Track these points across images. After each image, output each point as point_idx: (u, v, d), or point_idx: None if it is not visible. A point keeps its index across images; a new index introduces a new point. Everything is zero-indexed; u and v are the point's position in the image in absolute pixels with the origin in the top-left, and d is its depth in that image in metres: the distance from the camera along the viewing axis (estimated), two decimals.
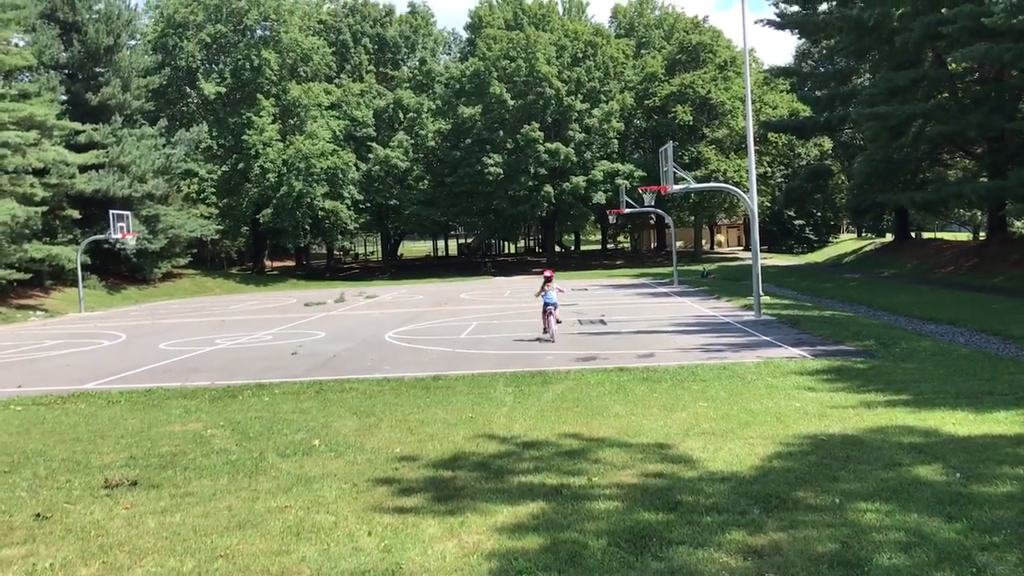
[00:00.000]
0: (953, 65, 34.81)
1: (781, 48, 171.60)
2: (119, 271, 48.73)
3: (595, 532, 6.27)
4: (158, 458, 9.51)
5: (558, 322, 19.84)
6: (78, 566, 6.12)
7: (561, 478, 7.80)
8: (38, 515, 7.41)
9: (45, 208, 39.57)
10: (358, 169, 58.42)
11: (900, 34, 34.16)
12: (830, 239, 75.75)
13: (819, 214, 74.89)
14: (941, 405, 10.63)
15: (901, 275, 39.89)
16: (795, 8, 46.62)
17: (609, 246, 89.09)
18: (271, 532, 6.66)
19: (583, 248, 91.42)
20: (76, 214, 43.36)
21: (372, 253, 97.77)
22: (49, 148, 40.66)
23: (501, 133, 58.27)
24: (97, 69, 49.69)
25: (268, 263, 66.88)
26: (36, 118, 39.79)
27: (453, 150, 59.61)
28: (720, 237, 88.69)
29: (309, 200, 54.96)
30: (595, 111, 58.79)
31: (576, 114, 58.55)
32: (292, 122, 57.00)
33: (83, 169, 44.05)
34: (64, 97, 44.51)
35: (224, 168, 55.39)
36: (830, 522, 6.29)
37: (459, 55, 70.76)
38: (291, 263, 74.64)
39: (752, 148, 29.52)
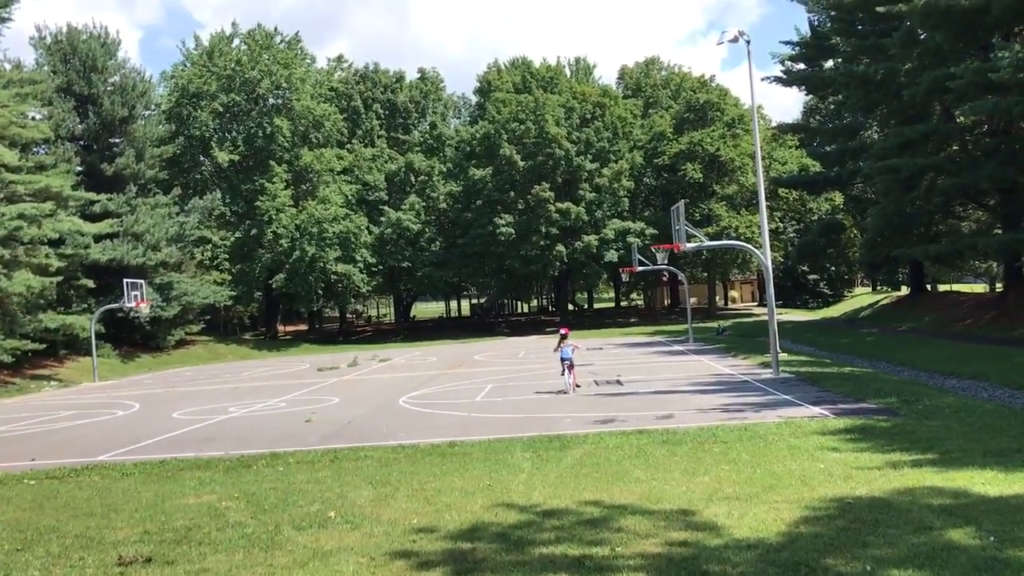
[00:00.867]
0: (962, 118, 34.93)
1: (788, 104, 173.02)
2: (133, 339, 48.82)
3: None
4: (173, 532, 9.34)
5: (577, 386, 21.47)
6: None
7: (583, 548, 7.59)
8: None
9: (60, 278, 39.85)
10: (370, 232, 58.81)
11: (907, 88, 34.39)
12: (844, 293, 75.40)
13: (832, 268, 74.71)
14: (969, 464, 10.38)
15: (919, 329, 39.53)
16: (801, 66, 47.15)
17: (622, 304, 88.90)
18: None
19: (596, 306, 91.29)
20: (90, 283, 43.63)
21: (385, 315, 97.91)
22: (64, 219, 41.12)
23: (512, 194, 58.71)
24: (112, 140, 50.52)
25: (281, 328, 66.99)
26: (52, 189, 40.33)
27: (465, 211, 60.03)
28: (734, 293, 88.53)
29: (322, 264, 55.24)
30: (605, 170, 59.23)
31: (586, 174, 59.01)
32: (305, 187, 57.63)
33: (97, 239, 44.48)
34: (79, 168, 45.15)
35: (237, 234, 55.84)
36: None
37: (469, 118, 71.64)
38: (304, 327, 74.77)
39: (764, 205, 29.56)
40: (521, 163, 58.10)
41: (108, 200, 46.07)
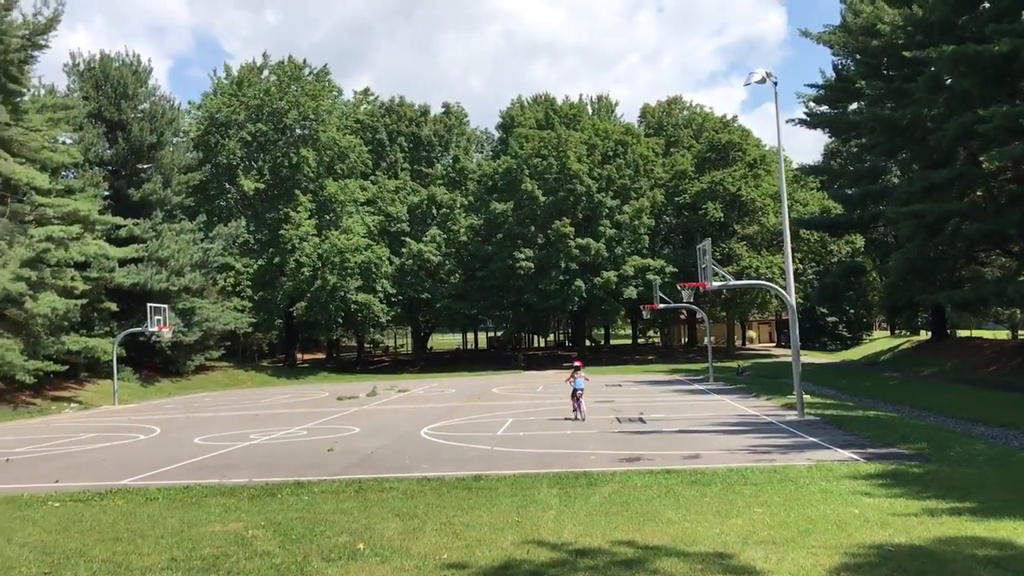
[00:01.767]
0: (987, 164, 34.82)
1: (808, 146, 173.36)
2: (153, 363, 48.99)
3: None
4: (200, 560, 9.30)
5: (579, 414, 23.28)
6: None
7: None
8: None
9: (84, 301, 40.13)
10: (391, 263, 59.03)
11: (933, 133, 34.35)
12: (863, 337, 74.93)
13: (851, 311, 74.35)
14: (1011, 514, 10.20)
15: (941, 374, 39.14)
16: (825, 108, 47.24)
17: (640, 341, 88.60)
18: None
19: (613, 342, 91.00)
20: (114, 307, 43.87)
21: (402, 346, 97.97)
22: (91, 242, 41.49)
23: (532, 228, 58.86)
24: (140, 166, 51.03)
25: (299, 355, 67.05)
26: (80, 213, 40.76)
27: (485, 245, 60.19)
28: (751, 333, 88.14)
29: (343, 293, 55.42)
30: (626, 207, 59.33)
31: (607, 210, 59.11)
32: (328, 217, 57.94)
33: (122, 263, 44.81)
34: (107, 192, 45.57)
35: (260, 262, 56.15)
36: None
37: (491, 153, 72.09)
38: (321, 355, 74.86)
39: (789, 245, 29.49)
40: (542, 198, 58.30)
41: (134, 225, 46.47)
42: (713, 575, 7.89)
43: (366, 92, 69.58)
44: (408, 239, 60.12)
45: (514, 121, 66.97)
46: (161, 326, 39.73)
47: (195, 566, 9.05)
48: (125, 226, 45.61)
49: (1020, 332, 55.44)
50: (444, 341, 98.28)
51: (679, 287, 25.05)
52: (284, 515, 11.83)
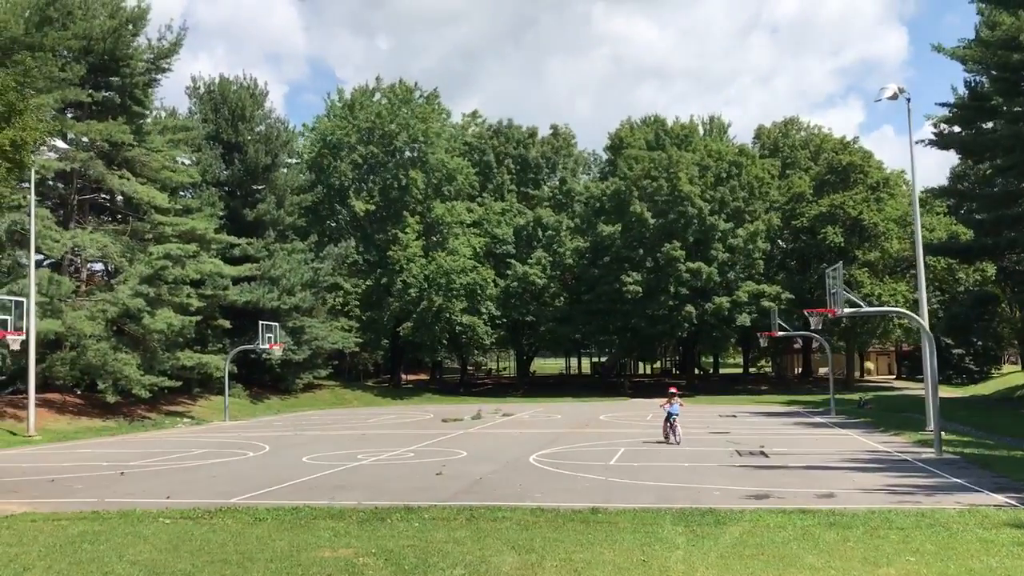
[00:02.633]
0: None
1: (930, 169, 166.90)
2: (263, 381, 49.85)
3: None
4: None
5: (674, 438, 24.34)
6: None
7: None
8: None
9: (199, 318, 41.06)
10: (496, 285, 58.78)
11: None
12: (991, 371, 70.61)
13: (979, 343, 70.20)
14: None
15: None
16: (956, 128, 44.75)
17: (751, 370, 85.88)
18: None
19: (722, 371, 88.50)
20: (227, 324, 44.81)
21: (504, 369, 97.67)
22: (207, 260, 42.55)
23: (641, 251, 57.67)
24: (254, 186, 52.27)
25: (403, 376, 67.41)
26: (197, 231, 41.92)
27: (591, 267, 59.29)
28: (870, 364, 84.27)
29: (448, 315, 55.40)
30: (739, 231, 57.54)
31: (719, 233, 57.44)
32: (435, 238, 58.18)
33: (235, 281, 45.81)
34: (222, 212, 46.72)
35: (368, 282, 56.71)
36: None
37: (599, 175, 71.32)
38: (425, 376, 75.15)
39: (923, 271, 27.78)
40: (651, 220, 57.11)
41: (248, 244, 47.50)
42: None
43: (474, 114, 69.95)
44: (513, 261, 59.80)
45: (623, 142, 66.06)
46: (272, 343, 40.30)
47: None
48: (239, 245, 46.68)
49: None
50: (546, 365, 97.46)
51: (806, 313, 23.66)
52: (395, 542, 11.26)
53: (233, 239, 45.93)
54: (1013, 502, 13.89)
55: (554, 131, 69.94)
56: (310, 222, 55.91)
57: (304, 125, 62.45)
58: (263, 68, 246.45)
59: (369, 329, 56.83)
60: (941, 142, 44.79)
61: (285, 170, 54.41)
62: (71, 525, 12.95)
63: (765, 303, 56.09)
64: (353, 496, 15.52)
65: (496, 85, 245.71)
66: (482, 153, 65.98)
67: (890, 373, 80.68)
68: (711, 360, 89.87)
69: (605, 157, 71.40)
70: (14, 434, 30.25)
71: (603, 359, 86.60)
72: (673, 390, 26.08)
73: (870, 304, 51.34)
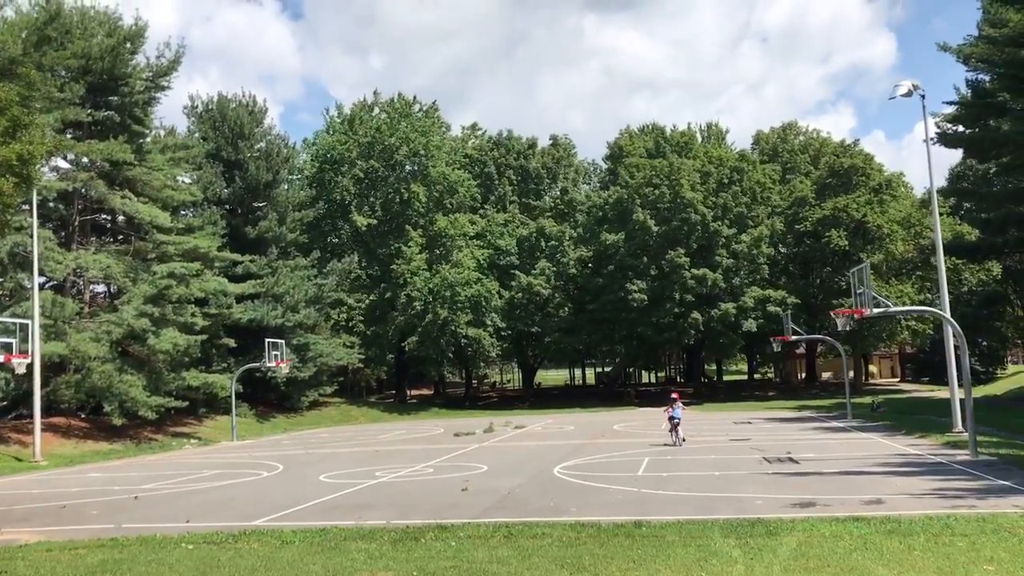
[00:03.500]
0: None
1: (941, 163, 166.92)
2: (268, 399, 49.21)
3: None
4: None
5: (677, 440, 26.11)
6: None
7: None
8: None
9: (204, 337, 40.47)
10: (501, 297, 58.25)
11: None
12: (995, 371, 70.17)
13: (984, 344, 69.77)
14: None
15: None
16: (960, 128, 44.37)
17: (756, 376, 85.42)
18: None
19: (726, 378, 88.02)
20: (231, 343, 44.21)
21: (508, 381, 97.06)
22: (211, 279, 41.99)
23: (645, 259, 57.18)
24: (256, 204, 51.73)
25: (407, 391, 66.73)
26: (200, 250, 41.36)
27: (595, 277, 58.76)
28: (873, 368, 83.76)
29: (453, 328, 54.82)
30: (743, 236, 57.11)
31: (723, 239, 57.00)
32: (438, 251, 57.62)
33: (239, 299, 45.25)
34: (224, 230, 46.13)
35: (372, 297, 56.13)
36: None
37: (599, 184, 70.91)
38: (428, 391, 74.51)
39: (943, 270, 27.36)
40: (655, 228, 56.64)
41: (250, 262, 46.95)
42: None
43: (474, 127, 69.50)
44: (517, 272, 59.29)
45: (622, 151, 65.69)
46: (278, 361, 39.70)
47: None
48: (242, 263, 46.14)
49: None
50: (549, 377, 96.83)
51: (833, 315, 23.18)
52: (435, 564, 10.74)
53: (236, 256, 45.43)
54: None
55: (554, 141, 69.59)
56: (312, 238, 55.37)
57: (305, 140, 62.05)
58: (258, 89, 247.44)
59: (373, 344, 56.22)
60: (946, 141, 44.45)
61: (286, 186, 53.90)
62: (89, 554, 12.40)
63: (771, 308, 55.61)
64: (380, 515, 14.98)
65: (490, 100, 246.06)
66: (483, 165, 65.53)
67: (893, 376, 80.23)
68: (714, 367, 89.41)
69: (605, 167, 70.97)
70: (20, 460, 29.62)
71: (607, 369, 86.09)
72: (675, 395, 28.21)
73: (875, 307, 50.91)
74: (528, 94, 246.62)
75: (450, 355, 59.43)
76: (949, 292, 63.47)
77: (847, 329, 22.45)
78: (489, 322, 57.54)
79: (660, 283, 56.29)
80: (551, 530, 12.64)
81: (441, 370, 63.92)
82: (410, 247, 55.83)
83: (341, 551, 11.86)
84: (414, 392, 71.37)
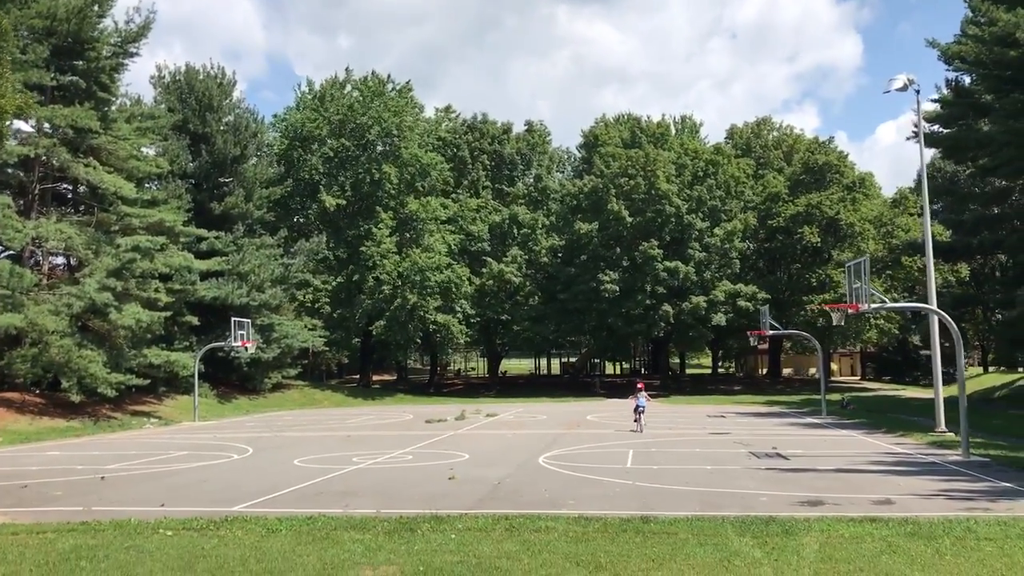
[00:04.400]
0: None
1: (899, 171, 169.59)
2: (230, 380, 47.96)
3: None
4: None
5: (639, 427, 27.87)
6: None
7: None
8: None
9: (169, 313, 39.21)
10: (471, 283, 57.42)
11: None
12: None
13: (947, 345, 70.47)
14: None
15: None
16: (935, 127, 44.48)
17: (720, 371, 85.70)
18: None
19: (689, 372, 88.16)
20: (195, 320, 42.95)
21: (473, 369, 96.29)
22: (176, 254, 40.69)
23: (618, 250, 56.74)
24: (222, 179, 50.22)
25: (371, 376, 65.61)
26: (165, 224, 39.99)
27: (567, 266, 58.23)
28: (834, 366, 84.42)
29: (422, 313, 53.89)
30: (716, 230, 56.92)
31: (696, 232, 56.76)
32: (409, 235, 56.58)
33: (203, 276, 43.96)
34: (189, 205, 44.69)
35: (339, 279, 54.92)
36: None
37: (573, 172, 70.26)
38: (390, 377, 73.41)
39: (931, 262, 27.17)
40: (629, 219, 56.20)
41: (215, 238, 45.64)
42: None
43: (448, 109, 68.20)
44: (489, 259, 58.49)
45: (597, 140, 65.11)
46: (244, 341, 38.56)
47: None
48: (207, 239, 44.83)
49: None
50: (513, 366, 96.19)
51: (828, 309, 22.80)
52: (441, 558, 10.03)
53: (202, 232, 44.13)
54: None
55: (529, 127, 68.72)
56: (279, 216, 53.99)
57: (275, 116, 60.39)
58: (222, 63, 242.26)
59: (339, 327, 55.06)
60: (924, 140, 44.46)
61: (254, 162, 52.41)
62: (59, 539, 11.51)
63: (741, 303, 55.56)
64: (365, 503, 14.25)
65: (458, 86, 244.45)
66: (456, 148, 64.46)
67: (853, 374, 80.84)
68: (677, 360, 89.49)
69: (579, 155, 70.34)
70: None
71: (572, 359, 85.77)
72: (640, 385, 30.44)
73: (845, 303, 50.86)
74: (497, 81, 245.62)
75: (418, 340, 58.50)
76: (916, 292, 64.37)
77: (842, 324, 22.10)
78: (459, 308, 56.73)
79: (632, 274, 55.94)
80: (555, 523, 11.99)
81: (408, 356, 62.92)
82: (380, 229, 54.72)
83: (334, 541, 11.11)
84: (376, 377, 70.31)
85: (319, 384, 58.88)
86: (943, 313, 20.96)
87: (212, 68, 51.18)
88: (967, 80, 42.39)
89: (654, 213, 56.23)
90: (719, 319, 55.85)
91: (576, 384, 68.67)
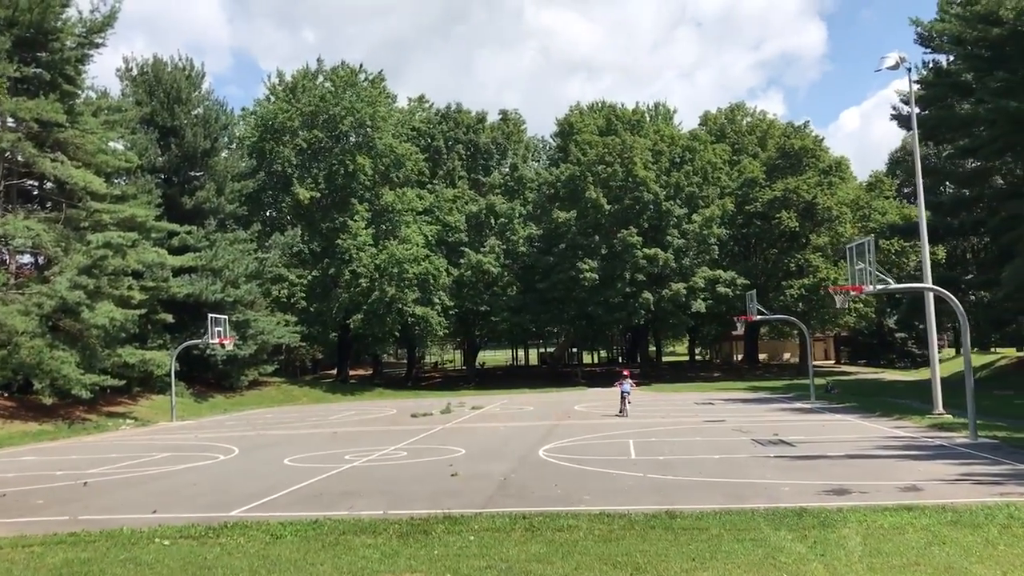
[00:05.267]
0: None
1: (872, 153, 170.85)
2: (205, 378, 46.87)
3: None
4: None
5: (624, 413, 29.77)
6: None
7: None
8: None
9: (143, 311, 38.10)
10: (449, 274, 56.63)
11: None
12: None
13: (921, 327, 70.82)
14: None
15: None
16: (917, 109, 44.30)
17: (697, 357, 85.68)
18: None
19: (666, 359, 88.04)
20: (169, 318, 41.83)
21: (450, 361, 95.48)
22: (148, 250, 39.52)
23: (596, 238, 56.19)
24: (193, 173, 49.06)
25: (348, 371, 64.59)
26: (137, 219, 38.80)
27: (545, 255, 57.62)
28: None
29: (400, 306, 53.03)
30: (695, 216, 56.58)
31: (675, 219, 56.38)
32: (385, 227, 55.58)
33: (176, 272, 42.85)
34: (159, 200, 43.46)
35: (315, 273, 53.86)
36: None
37: (549, 161, 69.57)
38: (366, 371, 72.39)
39: (926, 239, 26.90)
40: (607, 206, 55.68)
41: (187, 234, 44.46)
42: None
43: (421, 99, 67.14)
44: (466, 249, 57.70)
45: (572, 128, 64.44)
46: (222, 338, 37.60)
47: None
48: (179, 235, 43.65)
49: None
50: (490, 357, 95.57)
51: (831, 291, 22.44)
52: (466, 563, 9.38)
53: (174, 227, 42.92)
54: None
55: (504, 116, 67.90)
56: (252, 210, 52.85)
57: (244, 110, 58.95)
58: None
59: (316, 322, 54.01)
60: (901, 121, 44.41)
61: (225, 155, 51.18)
62: (48, 553, 10.73)
63: (721, 289, 55.34)
64: (369, 504, 13.57)
65: (426, 77, 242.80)
66: (431, 138, 63.53)
67: (827, 358, 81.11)
68: (654, 348, 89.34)
69: (554, 144, 69.66)
70: None
71: (551, 349, 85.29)
72: (625, 372, 32.82)
73: (824, 288, 50.55)
74: (464, 72, 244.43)
75: (396, 334, 57.62)
76: (893, 274, 64.47)
77: (845, 307, 21.70)
78: (437, 300, 55.92)
79: (611, 262, 55.43)
80: (576, 521, 11.38)
81: (386, 349, 61.97)
82: (356, 221, 53.72)
83: (346, 547, 10.43)
84: (352, 372, 69.29)
85: (296, 380, 57.82)
86: (948, 293, 20.61)
87: (180, 60, 49.85)
88: (944, 61, 42.39)
89: (632, 200, 55.76)
90: (699, 306, 55.58)
91: (556, 374, 68.17)
